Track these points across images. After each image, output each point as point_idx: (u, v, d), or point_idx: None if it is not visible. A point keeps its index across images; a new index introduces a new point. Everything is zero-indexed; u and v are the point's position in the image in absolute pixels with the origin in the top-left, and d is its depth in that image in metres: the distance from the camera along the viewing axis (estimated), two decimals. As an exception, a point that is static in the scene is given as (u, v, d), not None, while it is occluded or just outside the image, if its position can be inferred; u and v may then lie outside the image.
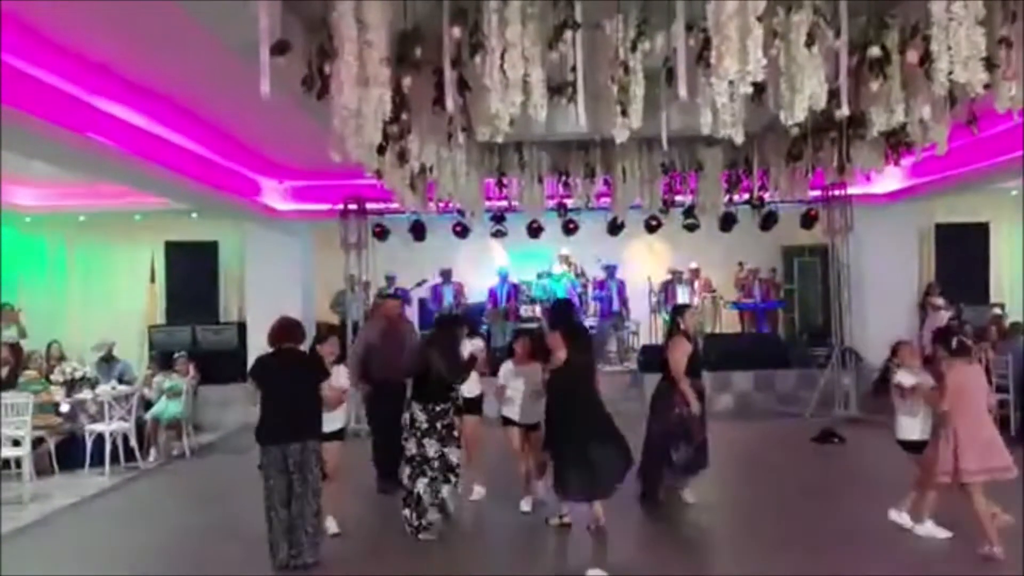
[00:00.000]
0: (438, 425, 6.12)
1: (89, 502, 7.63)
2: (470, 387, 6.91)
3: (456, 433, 6.33)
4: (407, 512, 6.12)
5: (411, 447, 6.10)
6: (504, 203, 10.82)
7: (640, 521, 6.65)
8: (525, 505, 6.81)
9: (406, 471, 6.13)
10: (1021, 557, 5.11)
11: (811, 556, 5.58)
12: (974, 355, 5.71)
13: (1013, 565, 5.09)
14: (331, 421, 5.95)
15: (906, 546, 5.68)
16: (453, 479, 6.24)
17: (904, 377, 5.94)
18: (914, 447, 5.87)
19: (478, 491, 7.23)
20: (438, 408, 6.13)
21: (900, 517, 5.95)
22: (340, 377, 6.12)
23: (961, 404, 5.30)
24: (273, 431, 5.36)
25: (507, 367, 6.91)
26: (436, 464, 6.10)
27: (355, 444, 7.34)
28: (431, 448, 6.09)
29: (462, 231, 12.34)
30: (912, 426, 5.86)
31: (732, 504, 7.28)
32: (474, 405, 7.10)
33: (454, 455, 6.25)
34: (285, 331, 5.65)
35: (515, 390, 6.75)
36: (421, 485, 6.06)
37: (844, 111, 5.16)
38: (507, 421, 6.84)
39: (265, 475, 5.37)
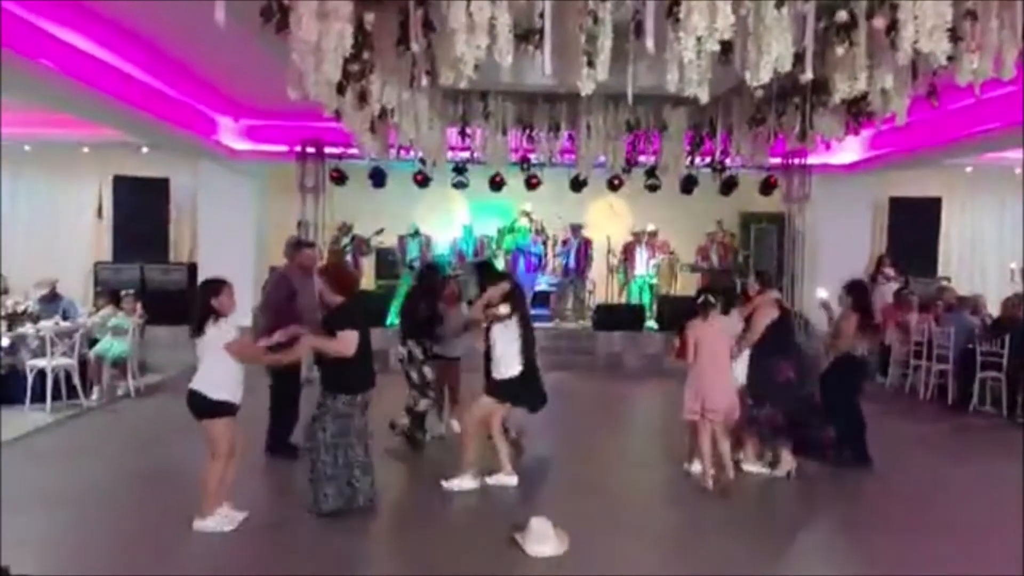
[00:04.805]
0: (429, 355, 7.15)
1: (29, 438, 7.47)
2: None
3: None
4: (414, 429, 7.13)
5: (415, 375, 7.03)
6: (467, 154, 10.68)
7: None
8: None
9: (414, 395, 7.07)
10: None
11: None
12: (711, 315, 6.14)
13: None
14: (219, 389, 5.07)
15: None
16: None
17: None
18: None
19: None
20: (428, 343, 7.12)
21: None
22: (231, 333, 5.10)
23: (702, 355, 6.03)
24: (368, 377, 5.50)
25: None
26: (434, 387, 7.20)
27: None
28: (430, 374, 7.10)
29: (423, 180, 12.19)
30: None
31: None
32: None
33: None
34: (353, 278, 5.89)
35: None
36: (424, 404, 7.12)
37: (808, 75, 5.16)
38: None
39: (344, 422, 5.37)
